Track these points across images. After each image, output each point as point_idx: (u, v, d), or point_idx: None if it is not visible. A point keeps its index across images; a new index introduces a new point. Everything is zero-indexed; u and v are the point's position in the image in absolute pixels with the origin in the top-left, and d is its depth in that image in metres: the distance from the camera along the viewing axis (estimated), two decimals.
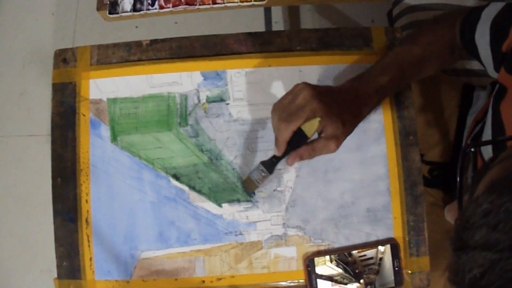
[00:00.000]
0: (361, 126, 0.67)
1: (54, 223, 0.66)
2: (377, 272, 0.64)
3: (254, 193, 0.66)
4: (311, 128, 0.55)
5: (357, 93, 0.57)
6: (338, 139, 0.55)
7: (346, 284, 0.64)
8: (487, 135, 0.55)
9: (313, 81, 0.67)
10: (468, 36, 0.59)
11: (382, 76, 0.58)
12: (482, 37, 0.56)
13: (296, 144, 0.57)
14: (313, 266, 0.63)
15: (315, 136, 0.56)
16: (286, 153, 0.58)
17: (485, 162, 0.40)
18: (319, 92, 0.54)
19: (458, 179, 0.38)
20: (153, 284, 0.65)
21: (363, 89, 0.57)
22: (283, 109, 0.55)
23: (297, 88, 0.55)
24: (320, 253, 0.64)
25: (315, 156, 0.56)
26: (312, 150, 0.56)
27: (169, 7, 0.75)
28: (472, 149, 0.40)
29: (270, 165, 0.61)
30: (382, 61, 0.61)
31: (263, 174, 0.61)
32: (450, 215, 0.44)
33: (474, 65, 0.84)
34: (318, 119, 0.54)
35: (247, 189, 0.65)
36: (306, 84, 0.54)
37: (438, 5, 0.83)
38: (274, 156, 0.60)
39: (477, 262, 0.29)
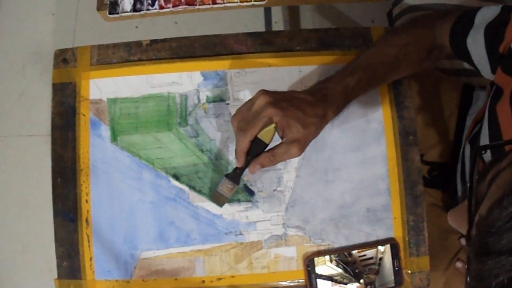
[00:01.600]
0: (361, 126, 0.67)
1: (54, 223, 0.66)
2: (377, 272, 0.64)
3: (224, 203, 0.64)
4: (267, 135, 0.55)
5: (323, 94, 0.56)
6: (300, 143, 0.54)
7: (346, 284, 0.64)
8: (484, 136, 0.55)
9: (313, 81, 0.67)
10: (458, 40, 0.59)
11: (350, 77, 0.58)
12: (475, 42, 0.55)
13: (257, 152, 0.56)
14: (313, 266, 0.63)
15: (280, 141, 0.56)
16: (248, 162, 0.57)
17: (485, 164, 0.40)
18: (276, 98, 0.54)
19: (468, 181, 0.37)
20: (153, 284, 0.65)
21: (329, 90, 0.57)
22: (241, 118, 0.55)
23: (255, 96, 0.55)
24: (320, 253, 0.64)
25: (278, 162, 0.56)
26: (273, 156, 0.55)
27: (169, 7, 0.75)
28: (483, 152, 0.40)
29: (234, 176, 0.60)
30: (354, 62, 0.61)
31: (229, 186, 0.61)
32: (453, 219, 0.43)
33: None
34: (273, 125, 0.54)
35: (217, 202, 0.63)
36: (263, 91, 0.54)
37: (438, 5, 0.83)
38: (236, 168, 0.59)
39: (504, 267, 0.29)
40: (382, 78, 0.62)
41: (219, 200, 0.62)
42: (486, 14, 0.55)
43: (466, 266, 0.33)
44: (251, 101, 0.55)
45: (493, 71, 0.55)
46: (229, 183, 0.60)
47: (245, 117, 0.55)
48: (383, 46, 0.62)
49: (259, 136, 0.55)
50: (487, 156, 0.52)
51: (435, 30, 0.63)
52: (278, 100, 0.54)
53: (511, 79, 0.50)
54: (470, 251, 0.32)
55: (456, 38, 0.59)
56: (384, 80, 0.63)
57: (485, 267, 0.30)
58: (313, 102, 0.55)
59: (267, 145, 0.56)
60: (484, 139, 0.55)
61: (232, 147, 0.66)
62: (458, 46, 0.60)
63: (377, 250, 0.64)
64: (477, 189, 0.36)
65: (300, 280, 0.65)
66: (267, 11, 1.37)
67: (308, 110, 0.54)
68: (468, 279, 0.33)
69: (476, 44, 0.56)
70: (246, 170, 0.58)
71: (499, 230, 0.30)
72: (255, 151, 0.56)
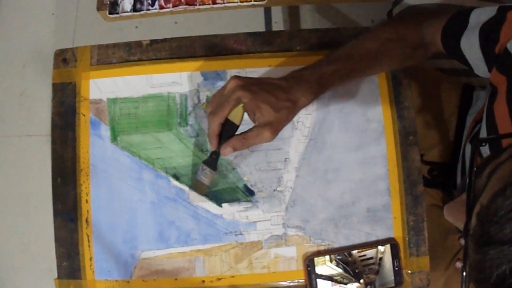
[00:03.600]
0: (361, 126, 0.67)
1: (54, 223, 0.66)
2: (377, 272, 0.64)
3: (208, 193, 0.65)
4: (236, 115, 0.55)
5: (297, 81, 0.56)
6: (273, 126, 0.54)
7: (346, 284, 0.64)
8: (483, 135, 0.55)
9: None
10: (452, 41, 0.59)
11: (328, 66, 0.58)
12: (470, 43, 0.55)
13: (229, 135, 0.56)
14: (313, 266, 0.63)
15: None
16: None
17: (483, 160, 0.40)
18: (247, 82, 0.55)
19: (468, 174, 0.37)
20: (153, 284, 0.65)
21: (304, 77, 0.57)
22: (213, 103, 0.56)
23: (227, 81, 0.56)
24: (320, 253, 0.64)
25: (250, 145, 0.56)
26: (244, 139, 0.55)
27: (169, 7, 0.75)
28: (484, 144, 0.40)
29: (211, 162, 0.61)
30: (335, 51, 0.60)
31: (208, 173, 0.61)
32: (449, 213, 0.43)
33: None
34: (241, 105, 0.54)
35: (198, 191, 0.64)
36: (234, 76, 0.55)
37: (438, 5, 0.82)
38: (213, 152, 0.60)
39: (507, 257, 0.28)
40: (362, 70, 0.61)
41: (200, 188, 0.63)
42: (481, 15, 0.55)
43: (463, 260, 0.33)
44: (223, 87, 0.56)
45: (490, 70, 0.55)
46: (207, 169, 0.61)
47: (216, 102, 0.56)
48: (367, 39, 0.62)
49: (229, 117, 0.55)
50: (485, 153, 0.52)
51: (423, 28, 0.62)
52: (249, 84, 0.55)
53: (505, 78, 0.50)
54: (469, 241, 0.32)
55: (449, 39, 0.59)
56: (364, 73, 0.63)
57: (487, 257, 0.30)
58: (286, 87, 0.55)
59: (238, 126, 0.56)
60: None
61: None
62: (451, 46, 0.59)
63: (377, 250, 0.64)
64: (474, 183, 0.36)
65: (300, 280, 0.65)
66: (267, 11, 1.37)
67: (280, 95, 0.55)
68: (464, 273, 0.32)
69: (470, 45, 0.55)
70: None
71: (501, 219, 0.30)
72: (228, 133, 0.57)
